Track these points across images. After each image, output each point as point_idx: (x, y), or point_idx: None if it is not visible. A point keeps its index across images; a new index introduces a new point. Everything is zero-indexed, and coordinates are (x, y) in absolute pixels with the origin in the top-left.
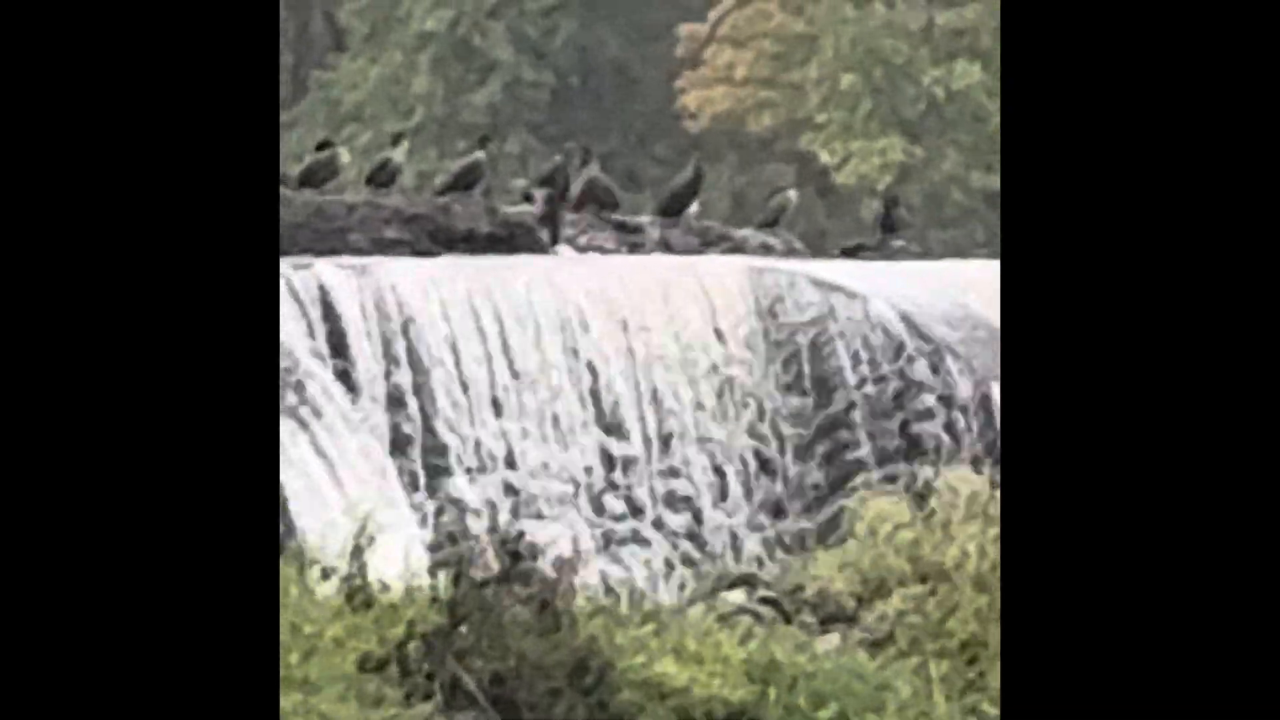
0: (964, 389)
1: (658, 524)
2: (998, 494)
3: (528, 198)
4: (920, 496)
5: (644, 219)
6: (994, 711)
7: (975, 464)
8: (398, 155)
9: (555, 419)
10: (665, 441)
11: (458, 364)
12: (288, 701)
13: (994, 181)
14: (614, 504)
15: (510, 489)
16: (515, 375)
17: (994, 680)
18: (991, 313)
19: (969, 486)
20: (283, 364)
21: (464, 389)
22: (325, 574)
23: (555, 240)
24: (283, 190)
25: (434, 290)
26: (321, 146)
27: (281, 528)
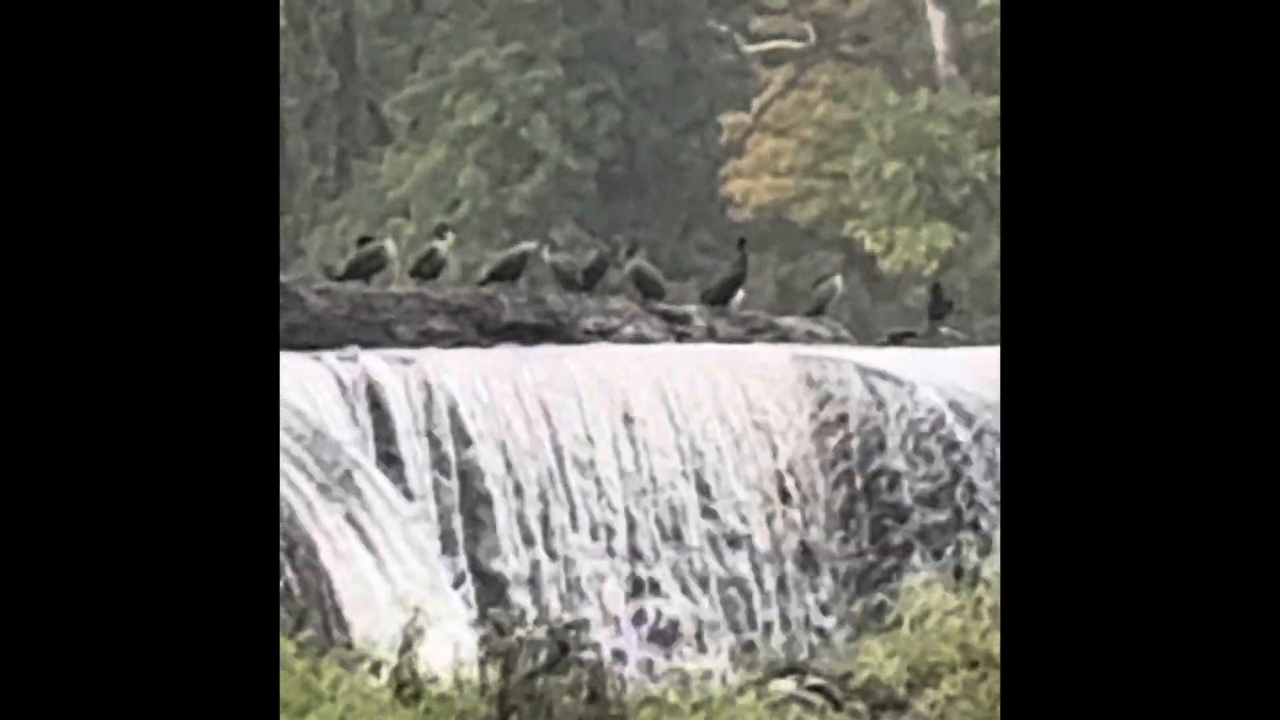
0: None
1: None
2: None
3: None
4: (970, 584)
5: (690, 308)
6: None
7: None
8: (443, 247)
9: (608, 509)
10: (717, 540)
11: (505, 454)
12: None
13: None
14: (670, 587)
15: (562, 580)
16: (562, 465)
17: None
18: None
19: None
20: (329, 456)
21: (513, 479)
22: (375, 668)
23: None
24: (329, 283)
25: (480, 381)
26: (363, 242)
27: (332, 622)
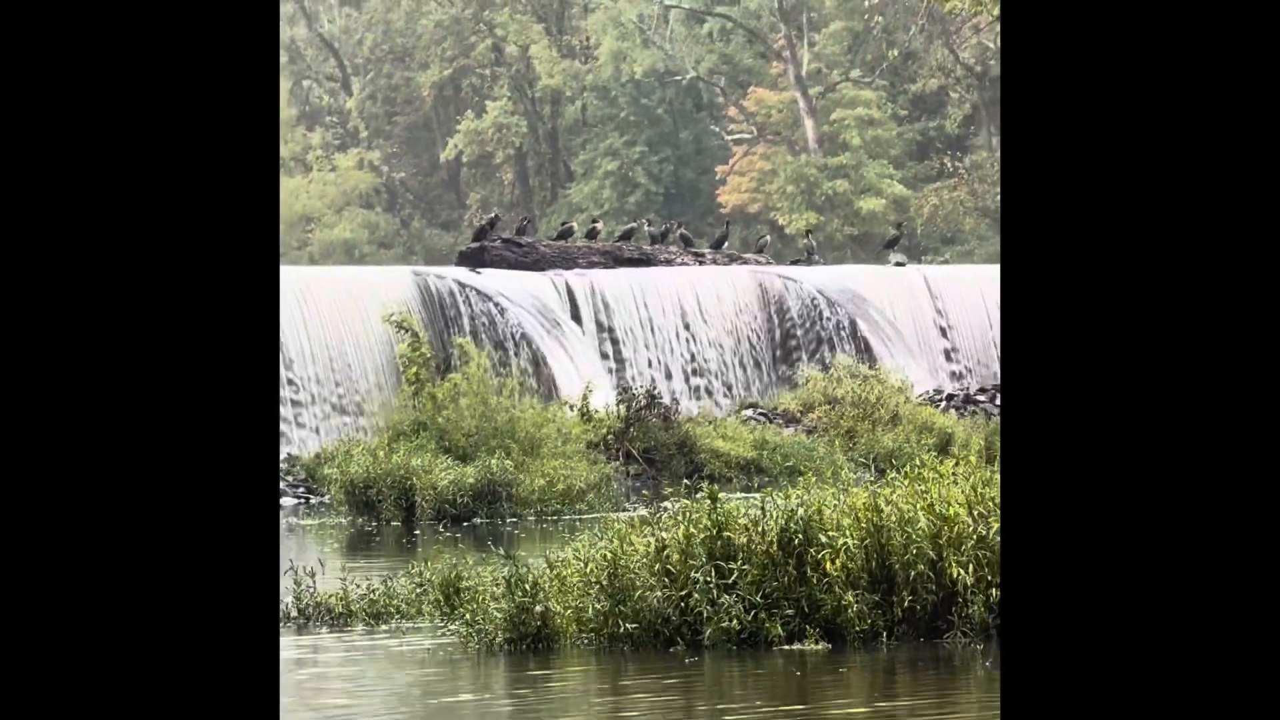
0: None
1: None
2: None
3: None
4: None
5: (705, 251)
6: None
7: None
8: (600, 225)
9: (671, 341)
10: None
11: (625, 316)
12: (553, 464)
13: None
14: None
15: (648, 373)
16: (652, 321)
17: None
18: None
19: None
20: (548, 316)
21: (631, 329)
22: (570, 406)
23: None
24: (550, 241)
25: (616, 282)
26: (564, 235)
27: (550, 388)
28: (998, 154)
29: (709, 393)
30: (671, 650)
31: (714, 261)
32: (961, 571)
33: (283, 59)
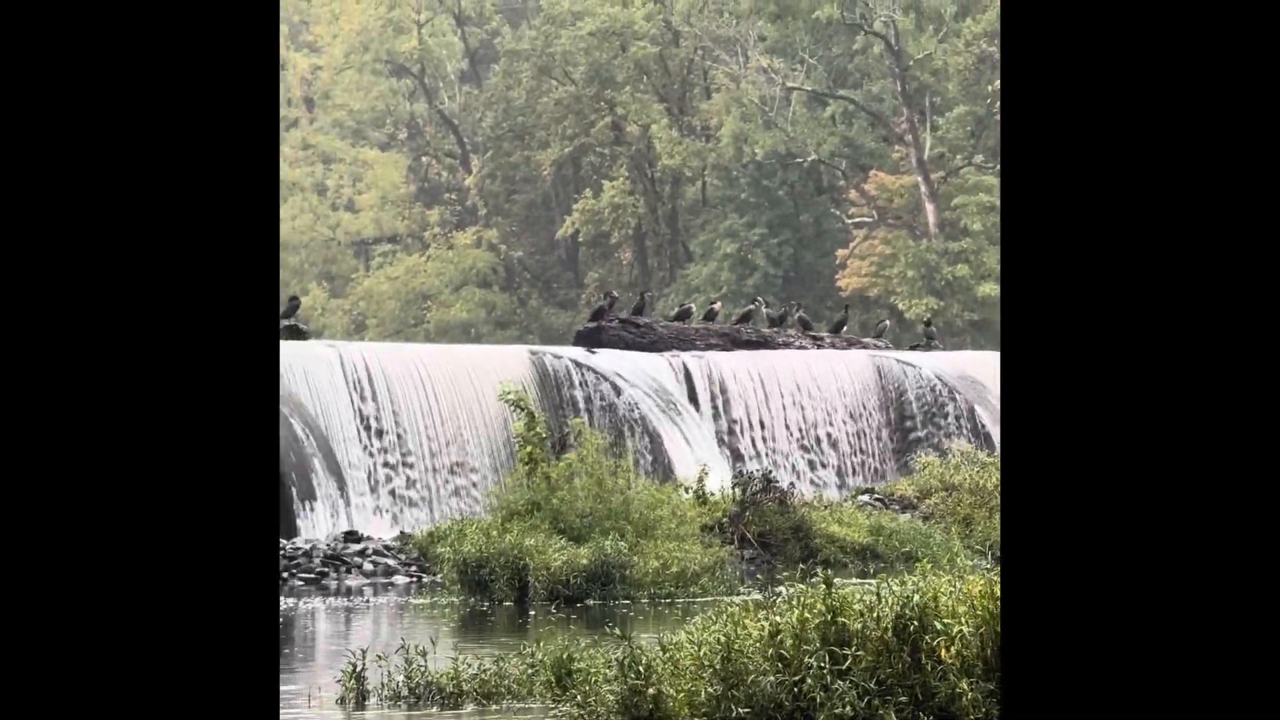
0: None
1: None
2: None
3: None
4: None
5: (824, 335)
6: None
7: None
8: (718, 307)
9: (789, 422)
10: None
11: (743, 396)
12: (668, 546)
13: None
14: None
15: (766, 455)
16: (769, 398)
17: None
18: None
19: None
20: (663, 397)
21: (749, 409)
22: (685, 489)
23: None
24: (668, 322)
25: (734, 364)
26: (681, 316)
27: (666, 468)
28: None
29: (825, 477)
30: None
31: (832, 345)
32: None
33: (401, 134)
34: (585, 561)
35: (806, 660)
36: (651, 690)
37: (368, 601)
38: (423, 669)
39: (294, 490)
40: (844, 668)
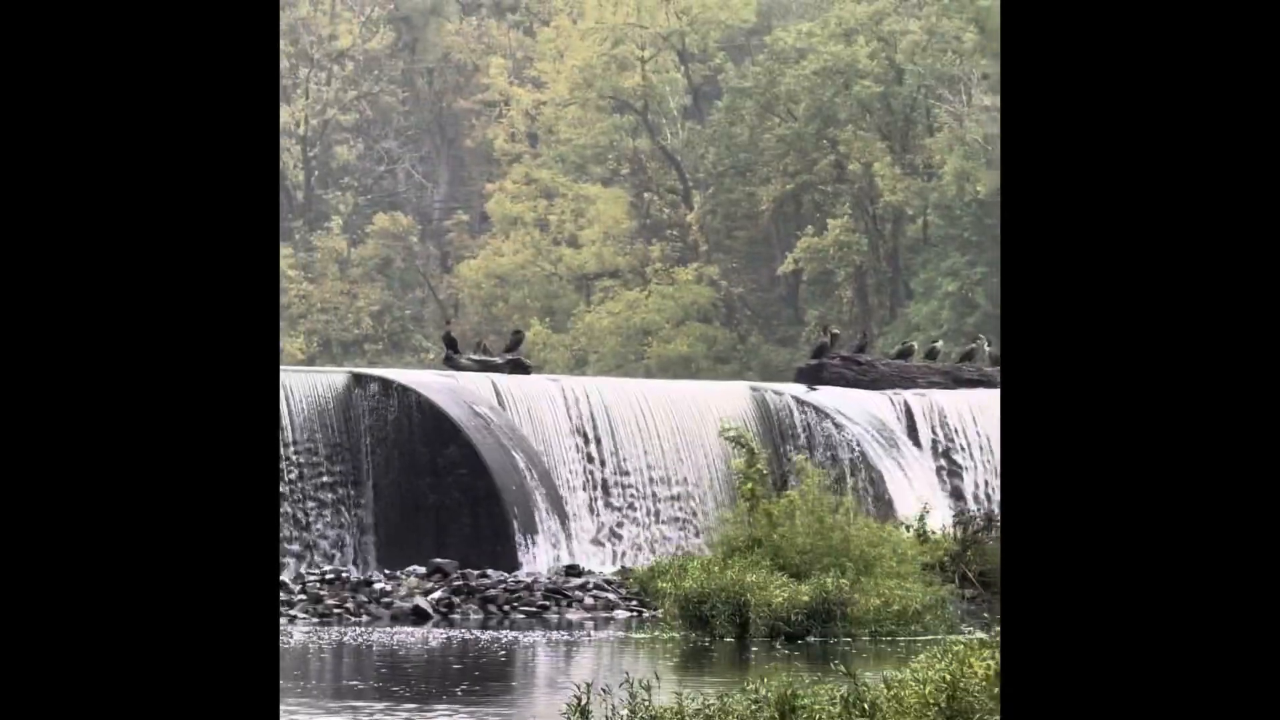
0: None
1: None
2: None
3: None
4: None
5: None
6: None
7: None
8: (940, 345)
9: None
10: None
11: (967, 433)
12: (888, 584)
13: None
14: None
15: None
16: (991, 445)
17: None
18: None
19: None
20: (885, 434)
21: (973, 444)
22: (906, 527)
23: None
24: (885, 360)
25: (956, 400)
26: (903, 354)
27: (886, 506)
28: None
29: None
30: None
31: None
32: None
33: (624, 170)
34: (806, 598)
35: None
36: None
37: (588, 635)
38: (647, 703)
39: (515, 523)
40: None
